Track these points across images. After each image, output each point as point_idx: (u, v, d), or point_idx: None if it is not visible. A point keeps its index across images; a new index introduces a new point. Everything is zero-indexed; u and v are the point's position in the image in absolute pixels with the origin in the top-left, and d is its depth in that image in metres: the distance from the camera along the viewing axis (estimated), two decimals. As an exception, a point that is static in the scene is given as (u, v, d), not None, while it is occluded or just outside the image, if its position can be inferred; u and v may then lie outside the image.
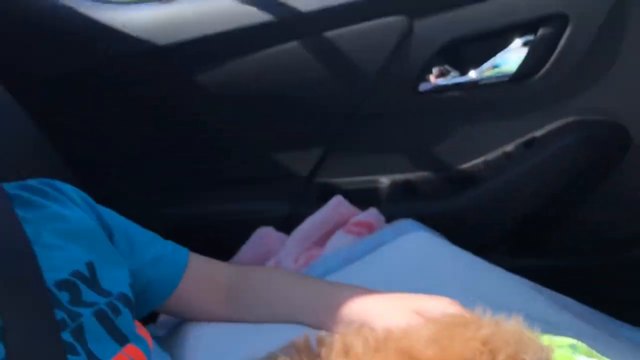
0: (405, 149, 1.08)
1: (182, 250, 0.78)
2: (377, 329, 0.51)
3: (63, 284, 0.62)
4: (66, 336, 0.58)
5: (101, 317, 0.62)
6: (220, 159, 1.13)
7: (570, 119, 1.01)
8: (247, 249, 1.00)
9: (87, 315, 0.61)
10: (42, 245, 0.63)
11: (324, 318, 0.68)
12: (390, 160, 1.09)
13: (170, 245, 0.78)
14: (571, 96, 1.01)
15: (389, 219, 1.00)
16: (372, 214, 0.96)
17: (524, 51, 1.00)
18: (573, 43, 0.97)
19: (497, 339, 0.46)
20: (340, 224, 0.96)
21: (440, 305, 0.62)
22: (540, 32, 0.98)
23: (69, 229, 0.68)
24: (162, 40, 1.07)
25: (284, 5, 1.03)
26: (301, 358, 0.54)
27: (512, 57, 1.00)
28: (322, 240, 0.95)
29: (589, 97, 1.00)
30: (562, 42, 0.97)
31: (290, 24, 1.04)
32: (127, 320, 0.65)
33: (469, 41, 1.01)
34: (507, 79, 1.01)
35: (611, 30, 0.95)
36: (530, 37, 0.99)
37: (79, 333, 0.59)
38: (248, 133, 1.11)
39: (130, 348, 0.63)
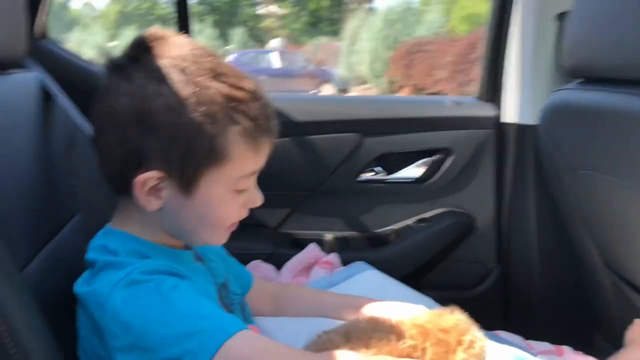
0: (346, 216, 1.65)
1: (249, 271, 1.25)
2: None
3: (221, 286, 1.06)
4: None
5: (241, 306, 1.08)
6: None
7: (444, 209, 1.68)
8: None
9: (235, 304, 1.07)
10: (208, 259, 1.07)
11: (345, 314, 1.19)
12: (335, 222, 1.65)
13: (242, 267, 1.24)
14: (447, 195, 1.67)
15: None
16: (333, 257, 1.50)
17: (425, 166, 1.66)
18: (453, 164, 1.64)
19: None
20: (313, 262, 1.48)
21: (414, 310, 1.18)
22: (436, 156, 1.64)
23: (216, 250, 1.12)
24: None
25: (284, 115, 1.56)
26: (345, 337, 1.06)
27: (419, 168, 1.65)
28: (303, 272, 1.46)
29: (456, 197, 1.67)
30: (446, 163, 1.64)
31: (285, 127, 1.57)
32: (248, 311, 1.11)
33: (394, 155, 1.64)
34: (413, 180, 1.66)
35: (474, 161, 1.64)
36: (429, 158, 1.65)
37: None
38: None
39: (252, 326, 1.09)
